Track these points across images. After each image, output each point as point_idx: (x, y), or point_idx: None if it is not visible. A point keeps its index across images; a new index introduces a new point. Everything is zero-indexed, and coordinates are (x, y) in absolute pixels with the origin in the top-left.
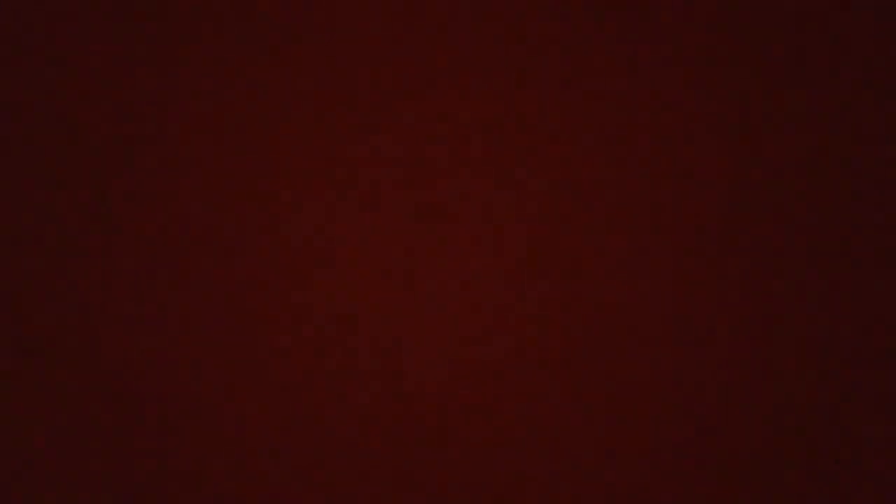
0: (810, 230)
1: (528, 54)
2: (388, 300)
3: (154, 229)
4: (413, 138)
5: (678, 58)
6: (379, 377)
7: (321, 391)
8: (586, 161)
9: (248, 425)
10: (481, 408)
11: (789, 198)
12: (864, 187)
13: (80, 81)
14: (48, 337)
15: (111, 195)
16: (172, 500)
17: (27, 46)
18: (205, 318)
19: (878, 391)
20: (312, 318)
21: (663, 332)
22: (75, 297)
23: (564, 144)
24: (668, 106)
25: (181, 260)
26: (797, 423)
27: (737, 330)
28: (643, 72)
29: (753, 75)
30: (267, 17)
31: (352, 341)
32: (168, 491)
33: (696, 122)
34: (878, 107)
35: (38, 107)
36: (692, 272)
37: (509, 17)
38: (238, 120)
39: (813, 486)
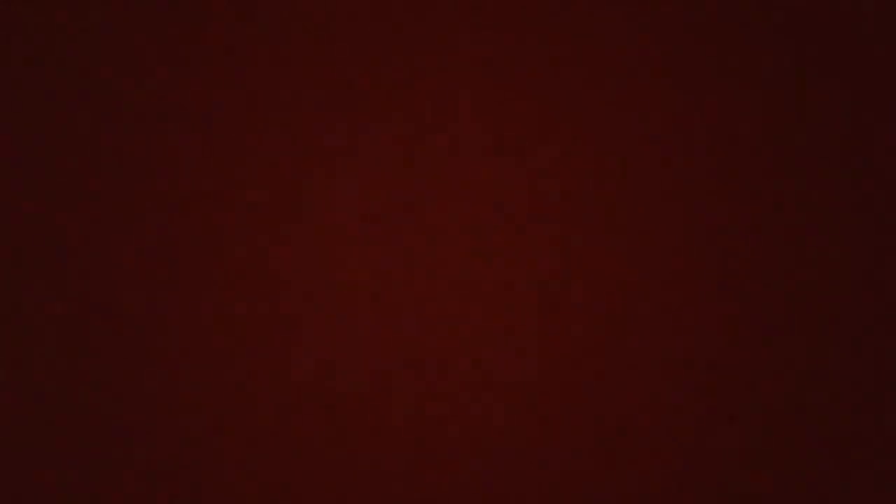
0: (814, 232)
1: (529, 52)
2: (389, 304)
3: (151, 232)
4: (414, 138)
5: (682, 57)
6: (383, 382)
7: (327, 395)
8: (592, 163)
9: (253, 429)
10: (486, 417)
11: (793, 200)
12: (865, 188)
13: (81, 81)
14: (46, 340)
15: (107, 197)
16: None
17: (27, 45)
18: (204, 320)
19: (879, 391)
20: (316, 321)
21: (667, 333)
22: (73, 299)
23: (570, 146)
24: (671, 105)
25: (180, 262)
26: (799, 423)
27: (745, 332)
28: (647, 72)
29: (756, 79)
30: (264, 17)
31: (353, 347)
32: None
33: (700, 122)
34: (880, 108)
35: (38, 106)
36: (698, 277)
37: (515, 15)
38: (237, 120)
39: (815, 485)
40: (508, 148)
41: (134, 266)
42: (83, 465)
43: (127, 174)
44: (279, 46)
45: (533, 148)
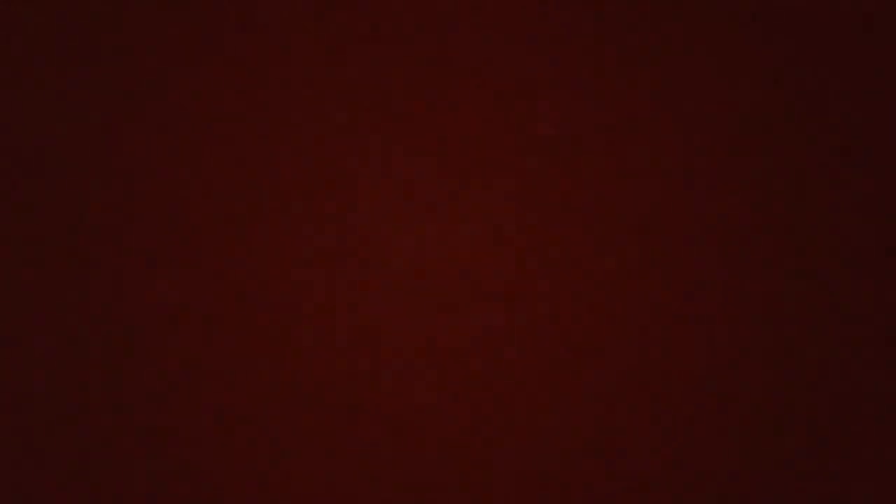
0: (815, 231)
1: (529, 56)
2: (386, 301)
3: (152, 231)
4: (416, 137)
5: (682, 57)
6: (379, 377)
7: (327, 394)
8: (589, 161)
9: (252, 428)
10: (480, 412)
11: (794, 199)
12: (866, 189)
13: (86, 81)
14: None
15: (108, 196)
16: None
17: (28, 45)
18: (204, 319)
19: (879, 391)
20: (314, 319)
21: (664, 331)
22: (78, 298)
23: (569, 145)
24: (672, 106)
25: (183, 259)
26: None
27: (741, 330)
28: (646, 73)
29: (756, 78)
30: (267, 18)
31: (352, 344)
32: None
33: (700, 122)
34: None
35: (42, 107)
36: (695, 272)
37: (518, 19)
38: (241, 120)
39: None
40: (510, 148)
41: (136, 265)
42: (83, 464)
43: (128, 174)
44: (284, 47)
45: (534, 148)
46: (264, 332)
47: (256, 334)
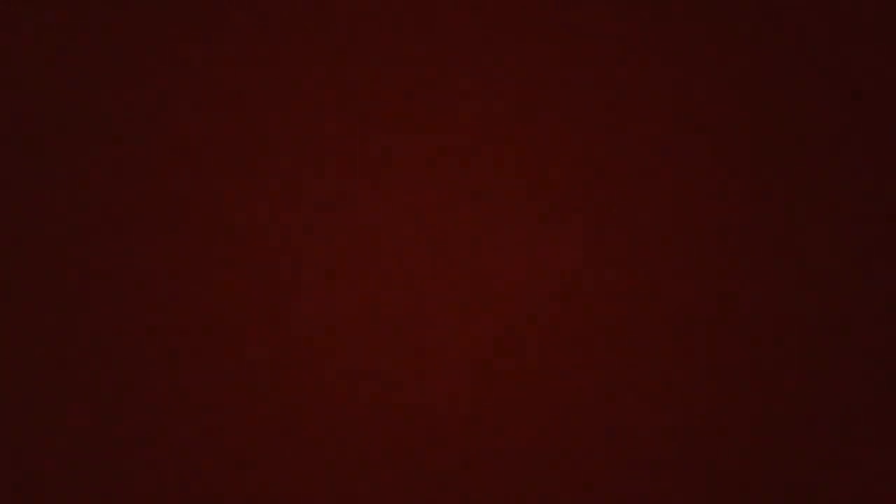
0: (815, 231)
1: (530, 53)
2: (398, 304)
3: (156, 232)
4: (415, 139)
5: (686, 56)
6: (391, 381)
7: (333, 394)
8: (590, 161)
9: (255, 431)
10: (486, 414)
11: (798, 199)
12: (866, 189)
13: (91, 81)
14: (52, 340)
15: (111, 197)
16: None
17: (29, 45)
18: (205, 317)
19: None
20: (322, 318)
21: (669, 331)
22: (79, 297)
23: (572, 144)
24: (674, 106)
25: (186, 260)
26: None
27: (753, 332)
28: (650, 73)
29: (758, 77)
30: (267, 17)
31: (360, 344)
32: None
33: (706, 120)
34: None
35: (44, 107)
36: (696, 273)
37: (519, 17)
38: (239, 121)
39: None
40: (511, 150)
41: (136, 264)
42: (82, 464)
43: (129, 174)
44: (280, 49)
45: (535, 149)
46: (265, 332)
47: (257, 334)
